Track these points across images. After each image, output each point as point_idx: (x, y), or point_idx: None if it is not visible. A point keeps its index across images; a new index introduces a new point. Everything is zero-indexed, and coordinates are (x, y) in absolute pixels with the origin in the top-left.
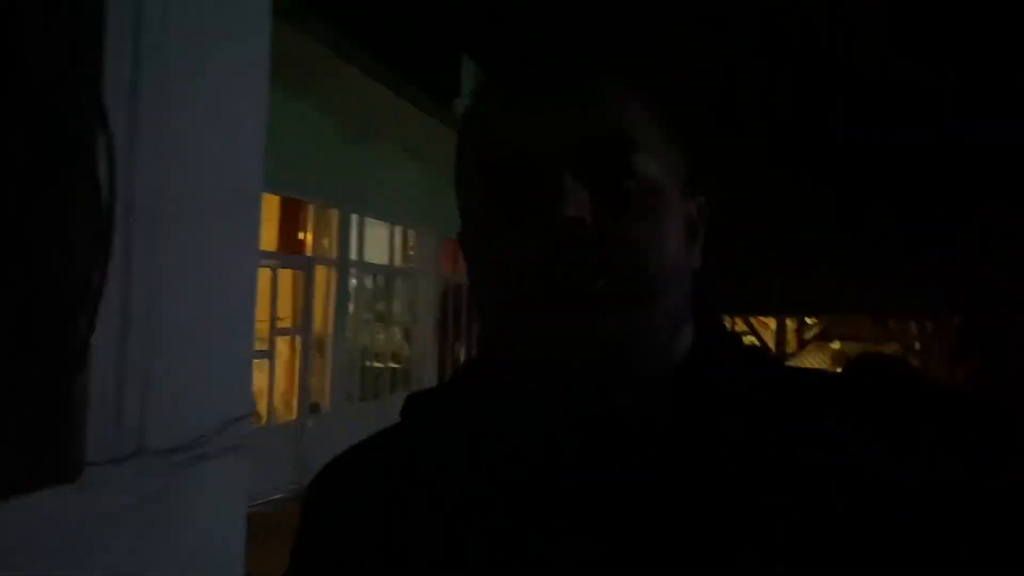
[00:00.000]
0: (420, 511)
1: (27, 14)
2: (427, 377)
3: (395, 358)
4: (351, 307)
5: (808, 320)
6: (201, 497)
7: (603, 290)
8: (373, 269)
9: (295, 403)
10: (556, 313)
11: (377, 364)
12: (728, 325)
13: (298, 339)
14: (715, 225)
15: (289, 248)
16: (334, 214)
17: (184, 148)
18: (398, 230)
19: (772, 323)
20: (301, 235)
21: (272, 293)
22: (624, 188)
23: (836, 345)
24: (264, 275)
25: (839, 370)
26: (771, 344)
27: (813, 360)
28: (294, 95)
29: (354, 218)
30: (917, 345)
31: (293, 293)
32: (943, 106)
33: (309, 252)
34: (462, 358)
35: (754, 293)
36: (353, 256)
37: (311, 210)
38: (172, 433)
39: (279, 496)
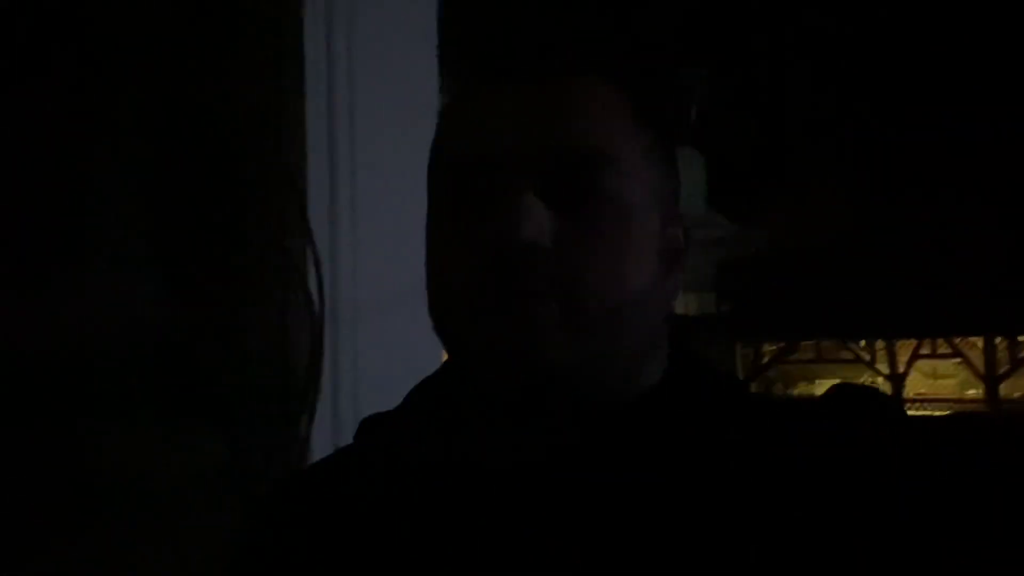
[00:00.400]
0: (362, 537)
1: (247, 161)
2: None
3: None
4: None
5: (1021, 338)
6: None
7: (554, 317)
8: None
9: None
10: (503, 337)
11: None
12: (931, 347)
13: None
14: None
15: None
16: None
17: (374, 240)
18: None
19: (979, 342)
20: None
21: None
22: (589, 210)
23: None
24: None
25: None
26: (979, 365)
27: None
28: None
29: None
30: None
31: None
32: None
33: None
34: None
35: (950, 313)
36: None
37: None
38: None
39: None
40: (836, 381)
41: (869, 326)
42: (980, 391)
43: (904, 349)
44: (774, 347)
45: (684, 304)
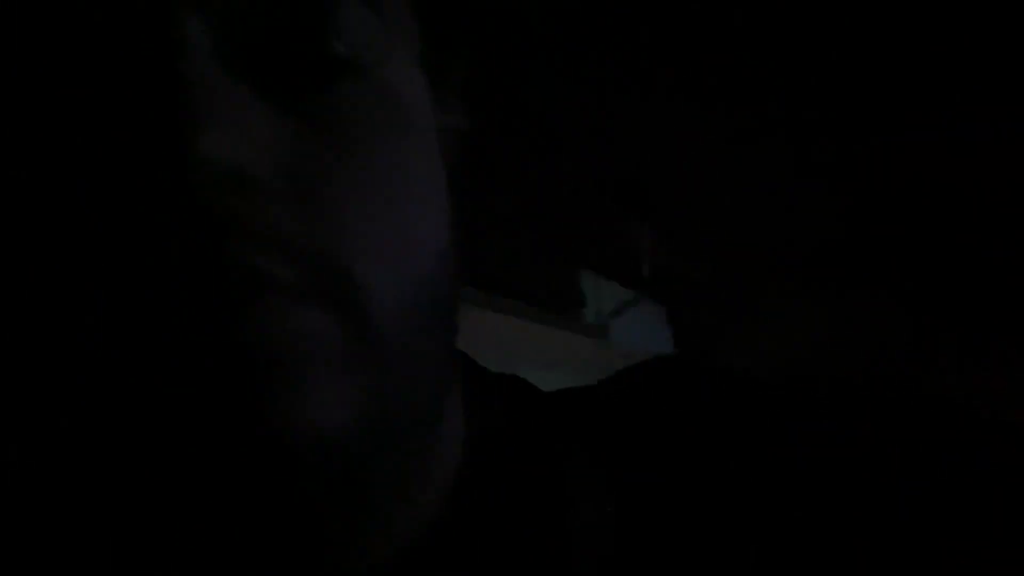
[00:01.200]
0: None
1: None
2: None
3: None
4: None
5: None
6: None
7: (321, 329)
8: None
9: None
10: (218, 381)
11: None
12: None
13: None
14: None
15: None
16: None
17: None
18: None
19: None
20: None
21: None
22: (334, 97)
23: None
24: None
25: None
26: None
27: None
28: None
29: None
30: None
31: None
32: None
33: None
34: None
35: None
36: None
37: None
38: None
39: None
40: None
41: None
42: None
43: None
44: None
45: None
